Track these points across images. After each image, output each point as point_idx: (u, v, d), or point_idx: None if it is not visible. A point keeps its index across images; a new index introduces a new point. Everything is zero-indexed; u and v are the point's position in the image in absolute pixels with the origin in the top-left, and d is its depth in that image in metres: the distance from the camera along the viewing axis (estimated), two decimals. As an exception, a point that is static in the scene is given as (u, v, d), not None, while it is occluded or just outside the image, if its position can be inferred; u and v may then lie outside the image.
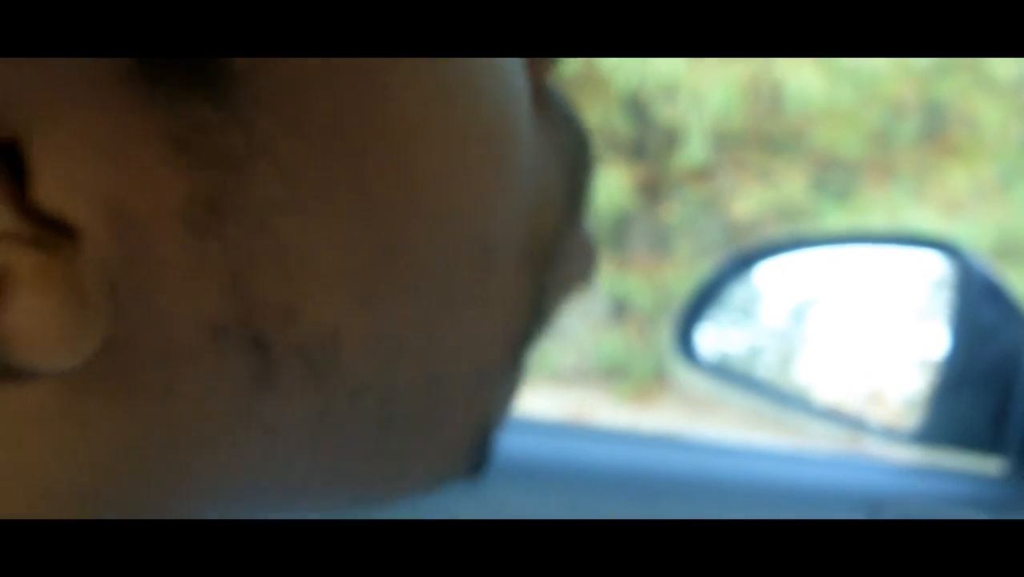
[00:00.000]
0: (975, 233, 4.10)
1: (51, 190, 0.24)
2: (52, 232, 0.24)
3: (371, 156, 0.29)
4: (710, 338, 1.15)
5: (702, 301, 1.14)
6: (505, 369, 0.36)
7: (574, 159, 0.37)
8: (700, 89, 4.48)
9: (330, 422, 0.31)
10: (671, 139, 4.58)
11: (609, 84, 4.39)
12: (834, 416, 1.12)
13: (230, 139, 0.26)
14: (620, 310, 4.64)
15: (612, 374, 4.41)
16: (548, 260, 0.36)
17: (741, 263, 1.15)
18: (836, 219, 4.43)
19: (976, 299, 1.02)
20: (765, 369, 1.23)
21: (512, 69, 0.33)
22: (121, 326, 0.26)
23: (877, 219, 4.35)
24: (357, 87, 0.28)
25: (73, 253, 0.25)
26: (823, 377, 1.15)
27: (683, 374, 1.13)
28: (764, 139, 4.63)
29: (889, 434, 1.09)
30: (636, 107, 4.61)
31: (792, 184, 4.51)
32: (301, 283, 0.28)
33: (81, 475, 0.27)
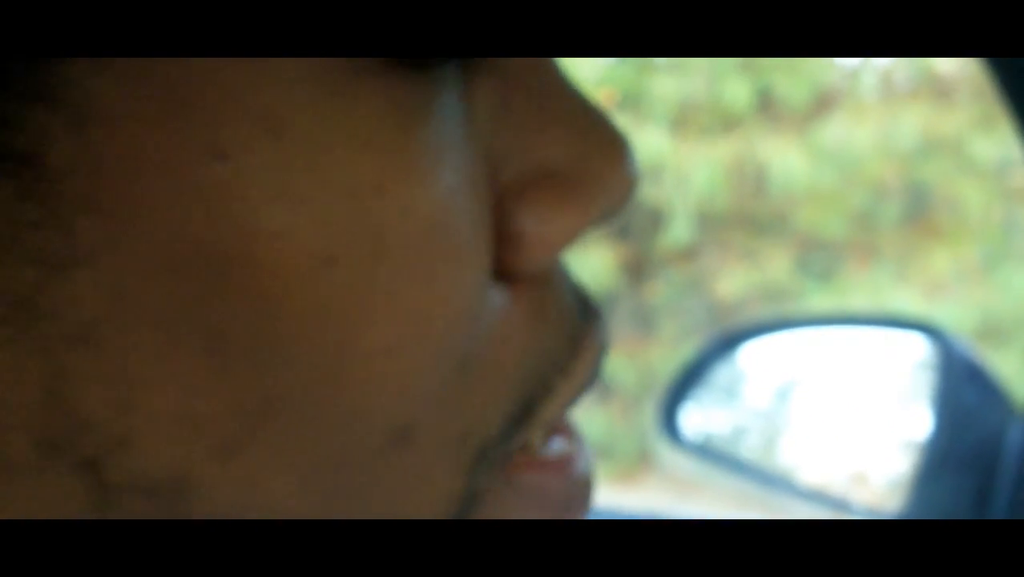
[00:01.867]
0: (958, 315, 4.10)
1: None
2: None
3: (230, 301, 0.26)
4: (694, 418, 1.15)
5: (686, 381, 1.14)
6: None
7: (551, 360, 0.32)
8: (685, 169, 4.50)
9: None
10: (655, 219, 4.59)
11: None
12: (818, 497, 1.12)
13: (44, 238, 0.25)
14: (604, 390, 4.63)
15: (596, 454, 4.39)
16: (484, 457, 0.31)
17: (725, 343, 1.16)
18: (820, 300, 4.43)
19: (958, 381, 1.03)
20: (749, 449, 1.23)
21: (459, 242, 0.29)
22: None
23: (860, 300, 4.36)
24: (217, 222, 0.26)
25: None
26: (807, 458, 1.15)
27: (667, 454, 1.13)
28: (748, 220, 4.65)
29: (873, 515, 1.09)
30: (621, 187, 4.63)
31: (776, 265, 4.52)
32: (137, 411, 0.26)
33: None
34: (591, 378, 0.34)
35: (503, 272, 0.31)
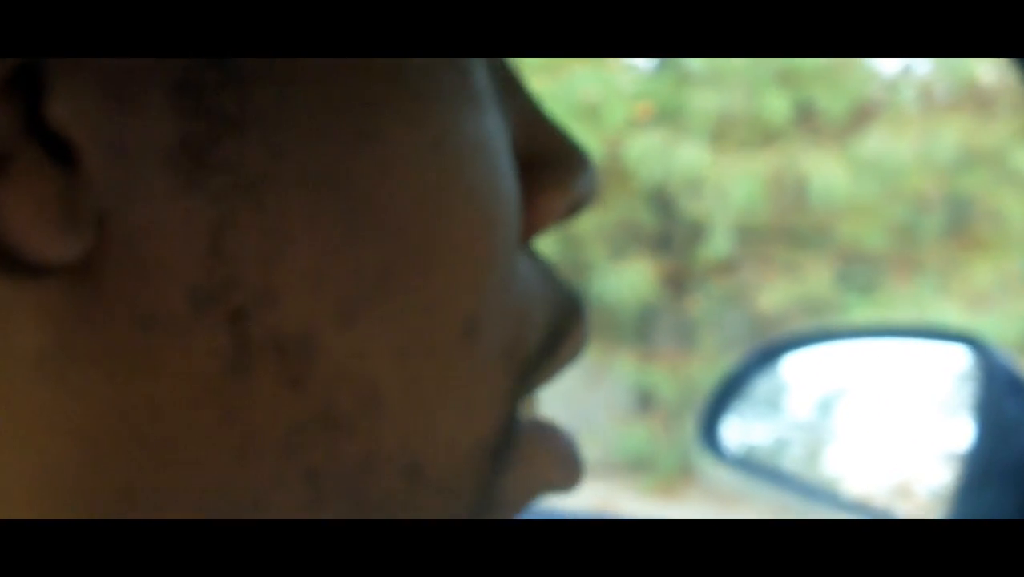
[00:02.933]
0: (1000, 327, 4.08)
1: (59, 111, 0.26)
2: (55, 147, 0.27)
3: (362, 170, 0.30)
4: (736, 431, 1.15)
5: (728, 394, 1.14)
6: (479, 482, 0.34)
7: (559, 317, 0.36)
8: (724, 183, 4.49)
9: (300, 444, 0.30)
10: (696, 232, 4.59)
11: (634, 177, 4.41)
12: (861, 509, 1.12)
13: (224, 99, 0.28)
14: (645, 402, 4.62)
15: (637, 467, 4.38)
16: (523, 380, 0.35)
17: (767, 356, 1.16)
18: (861, 313, 4.41)
19: (1001, 393, 1.02)
20: (792, 462, 1.23)
21: (503, 172, 0.33)
22: (109, 273, 0.27)
23: (902, 313, 4.34)
24: (354, 100, 0.30)
25: (70, 170, 0.27)
26: (850, 470, 1.15)
27: (709, 467, 1.14)
28: (789, 233, 4.64)
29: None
30: (661, 201, 4.63)
31: (817, 278, 4.50)
32: (280, 269, 0.29)
33: (69, 444, 0.28)
34: (586, 337, 0.37)
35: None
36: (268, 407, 0.29)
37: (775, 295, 4.48)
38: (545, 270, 0.36)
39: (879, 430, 1.14)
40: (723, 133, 4.52)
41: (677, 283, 4.66)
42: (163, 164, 0.27)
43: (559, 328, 0.36)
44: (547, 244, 0.42)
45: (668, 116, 4.48)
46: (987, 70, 4.47)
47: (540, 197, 0.36)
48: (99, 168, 0.27)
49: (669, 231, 4.72)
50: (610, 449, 4.27)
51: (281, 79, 0.29)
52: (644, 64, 4.75)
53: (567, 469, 0.37)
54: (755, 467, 1.20)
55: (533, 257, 0.36)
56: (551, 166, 0.36)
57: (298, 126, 0.29)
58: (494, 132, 0.33)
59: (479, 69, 0.33)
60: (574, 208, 0.37)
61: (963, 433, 1.05)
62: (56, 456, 0.28)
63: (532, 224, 0.36)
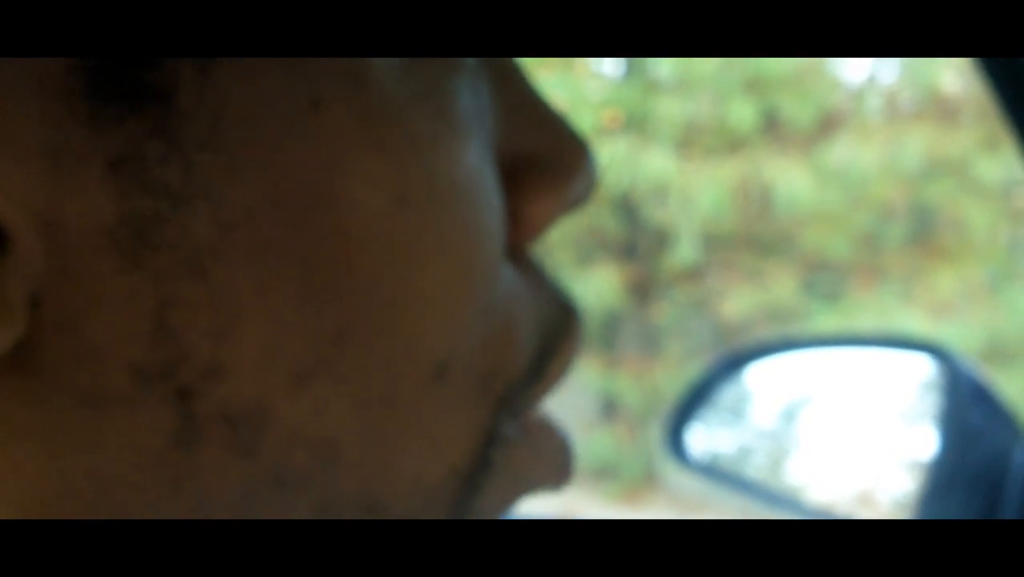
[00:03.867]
0: (964, 335, 4.10)
1: None
2: None
3: (318, 235, 0.28)
4: (701, 438, 1.15)
5: (692, 401, 1.14)
6: (450, 504, 0.33)
7: (551, 321, 0.35)
8: (690, 190, 4.51)
9: (253, 505, 0.30)
10: (661, 240, 4.60)
11: (600, 185, 4.41)
12: (825, 516, 1.12)
13: (168, 172, 0.26)
14: (610, 410, 4.63)
15: (602, 474, 4.39)
16: (506, 405, 0.34)
17: (731, 364, 1.16)
18: (826, 321, 4.44)
19: (964, 402, 1.03)
20: (756, 470, 1.23)
21: (487, 205, 0.32)
22: (49, 353, 0.26)
23: (866, 321, 4.36)
24: (311, 162, 0.28)
25: (1, 252, 0.26)
26: (814, 478, 1.15)
27: (673, 474, 1.14)
28: (754, 241, 4.65)
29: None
30: (627, 208, 4.64)
31: (782, 286, 4.52)
32: (229, 343, 0.28)
33: (10, 514, 0.28)
34: (579, 344, 0.37)
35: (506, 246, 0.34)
36: (218, 476, 0.29)
37: (740, 303, 4.50)
38: (538, 278, 0.35)
39: (843, 438, 1.15)
40: (689, 141, 4.53)
41: (642, 290, 4.67)
42: (103, 244, 0.26)
43: (551, 341, 0.35)
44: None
45: (635, 124, 4.49)
46: (951, 79, 4.50)
47: (533, 204, 0.35)
48: (34, 250, 0.26)
49: (635, 238, 4.73)
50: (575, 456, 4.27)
51: (229, 146, 0.27)
52: (612, 71, 4.76)
53: (555, 468, 0.36)
54: (719, 474, 1.20)
55: (526, 265, 0.35)
56: (545, 168, 0.35)
57: (246, 196, 0.27)
58: (475, 162, 0.32)
59: (464, 88, 0.32)
60: (572, 207, 0.36)
61: (926, 441, 1.06)
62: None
63: (525, 232, 0.35)
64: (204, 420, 0.28)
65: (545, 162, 0.35)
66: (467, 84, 0.32)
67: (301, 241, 0.28)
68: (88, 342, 0.27)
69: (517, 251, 0.35)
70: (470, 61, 0.33)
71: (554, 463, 0.36)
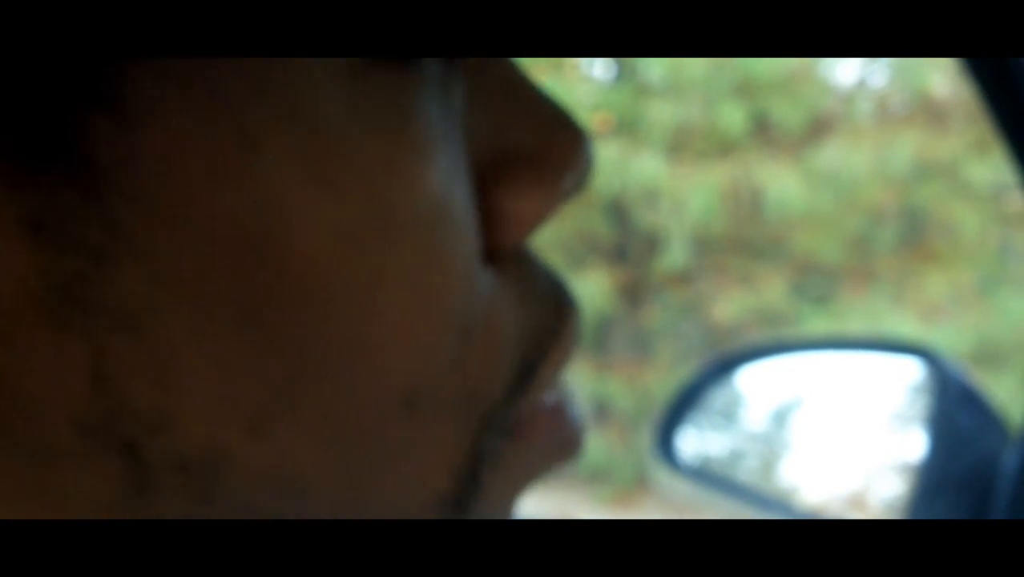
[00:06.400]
0: (954, 339, 4.11)
1: None
2: None
3: (261, 280, 0.27)
4: (691, 442, 1.15)
5: (683, 405, 1.14)
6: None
7: (540, 323, 0.34)
8: (680, 194, 4.51)
9: None
10: (652, 244, 4.60)
11: (591, 189, 4.41)
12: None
13: (89, 229, 0.26)
14: (601, 413, 4.63)
15: (593, 477, 4.39)
16: (491, 422, 0.33)
17: (722, 367, 1.16)
18: (816, 324, 4.44)
19: (953, 405, 1.03)
20: (746, 473, 1.23)
21: (456, 222, 0.31)
22: None
23: (856, 324, 4.36)
24: (249, 206, 0.27)
25: None
26: (804, 481, 1.16)
27: (664, 477, 1.14)
28: (744, 244, 4.66)
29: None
30: (617, 212, 4.65)
31: (772, 289, 4.53)
32: (174, 392, 0.27)
33: None
34: (576, 340, 0.35)
35: (488, 250, 0.32)
36: (180, 518, 0.28)
37: (730, 306, 4.50)
38: (529, 276, 0.34)
39: (833, 441, 1.15)
40: (680, 144, 4.54)
41: (633, 294, 4.68)
42: (28, 305, 0.26)
43: (540, 346, 0.34)
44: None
45: (626, 128, 4.50)
46: (942, 83, 4.51)
47: (519, 202, 0.33)
48: None
49: (625, 242, 4.73)
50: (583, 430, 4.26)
51: (154, 198, 0.26)
52: (602, 75, 4.77)
53: (559, 451, 0.35)
54: (710, 478, 1.20)
55: (516, 264, 0.34)
56: (532, 161, 0.33)
57: (176, 247, 0.26)
58: (440, 180, 0.30)
59: (428, 100, 0.30)
60: (565, 198, 0.35)
61: (916, 444, 1.06)
62: None
63: (513, 231, 0.33)
64: (155, 469, 0.28)
65: (532, 155, 0.34)
66: (432, 94, 0.31)
67: (239, 288, 0.27)
68: (28, 400, 0.26)
69: (504, 252, 0.33)
70: (436, 70, 0.31)
71: (557, 447, 0.35)
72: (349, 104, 0.29)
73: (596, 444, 4.44)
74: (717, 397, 1.17)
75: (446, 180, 0.30)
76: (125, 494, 0.28)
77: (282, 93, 0.27)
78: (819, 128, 4.56)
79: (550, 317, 0.34)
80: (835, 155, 4.47)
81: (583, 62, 4.69)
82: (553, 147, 0.34)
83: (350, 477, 0.30)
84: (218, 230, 0.27)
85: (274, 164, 0.27)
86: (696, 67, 4.44)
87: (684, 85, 4.53)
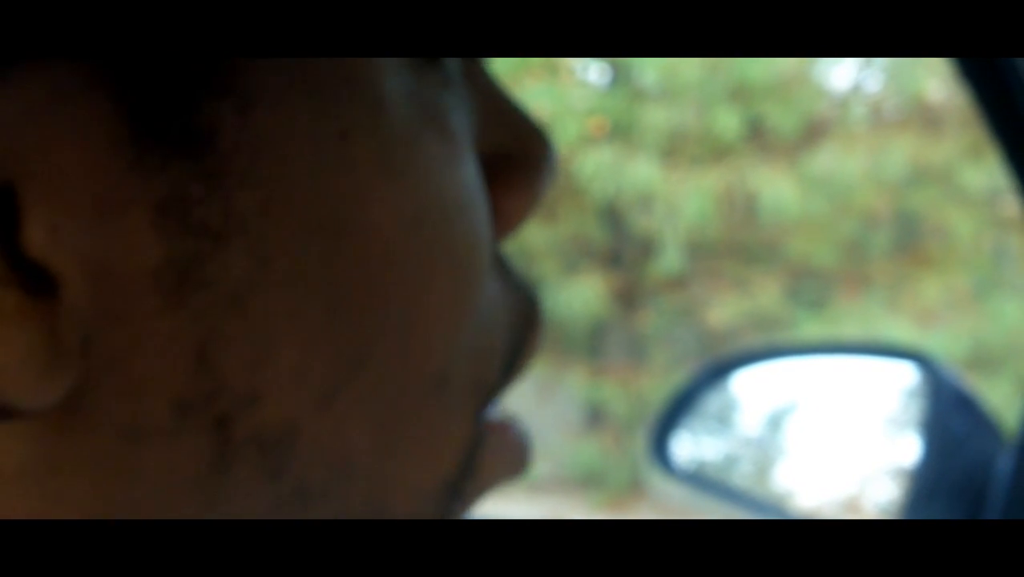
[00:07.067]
0: (949, 343, 4.11)
1: (38, 239, 0.25)
2: (35, 278, 0.26)
3: (344, 261, 0.29)
4: (686, 446, 1.15)
5: (678, 409, 1.14)
6: (436, 513, 0.34)
7: (519, 324, 0.36)
8: (675, 199, 4.51)
9: (274, 518, 0.30)
10: (647, 248, 4.61)
11: (586, 194, 4.42)
12: (809, 524, 1.12)
13: (209, 212, 0.27)
14: (596, 418, 4.63)
15: (588, 482, 4.39)
16: (484, 407, 0.35)
17: (717, 372, 1.16)
18: (811, 328, 4.44)
19: (947, 409, 1.03)
20: (741, 477, 1.24)
21: (480, 216, 0.33)
22: (93, 391, 0.27)
23: (851, 329, 4.37)
24: (339, 192, 0.29)
25: (52, 300, 0.26)
26: (799, 485, 1.16)
27: (659, 482, 1.14)
28: (739, 249, 4.66)
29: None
30: (612, 216, 4.65)
31: (767, 294, 4.53)
32: (266, 369, 0.28)
33: None
34: (542, 333, 0.37)
35: None
36: (248, 497, 0.29)
37: (725, 311, 4.50)
38: (505, 275, 0.36)
39: (828, 446, 1.15)
40: (675, 149, 4.54)
41: (628, 298, 4.68)
42: (147, 285, 0.27)
43: (519, 336, 0.36)
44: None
45: (621, 132, 4.50)
46: (936, 88, 4.52)
47: (506, 200, 0.35)
48: (82, 295, 0.26)
49: (620, 247, 4.74)
50: (561, 464, 4.27)
51: (264, 183, 0.28)
52: (597, 80, 4.77)
53: (513, 464, 0.37)
54: (705, 482, 1.20)
55: (497, 265, 0.35)
56: (515, 163, 0.36)
57: (281, 229, 0.28)
58: (472, 175, 0.33)
59: (454, 104, 0.33)
60: (542, 198, 0.37)
61: (910, 449, 1.06)
62: None
63: (500, 229, 0.35)
64: (238, 446, 0.29)
65: (515, 157, 0.36)
66: (456, 98, 0.33)
67: (329, 268, 0.29)
68: (131, 379, 0.27)
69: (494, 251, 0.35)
70: (456, 73, 0.33)
71: (512, 458, 0.37)
72: (412, 101, 0.31)
73: (590, 449, 4.44)
74: (712, 402, 1.18)
75: (474, 174, 0.33)
76: (207, 472, 0.29)
77: (367, 88, 0.30)
78: (814, 133, 4.56)
79: (526, 307, 0.36)
80: (830, 160, 4.48)
81: (578, 67, 4.69)
82: (531, 150, 0.36)
83: (387, 455, 0.32)
84: (315, 214, 0.29)
85: (359, 154, 0.29)
86: (691, 72, 4.44)
87: (679, 90, 4.53)
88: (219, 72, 0.27)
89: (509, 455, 0.37)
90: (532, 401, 3.76)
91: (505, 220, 0.36)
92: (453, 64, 0.33)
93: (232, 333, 0.28)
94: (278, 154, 0.28)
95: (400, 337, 0.31)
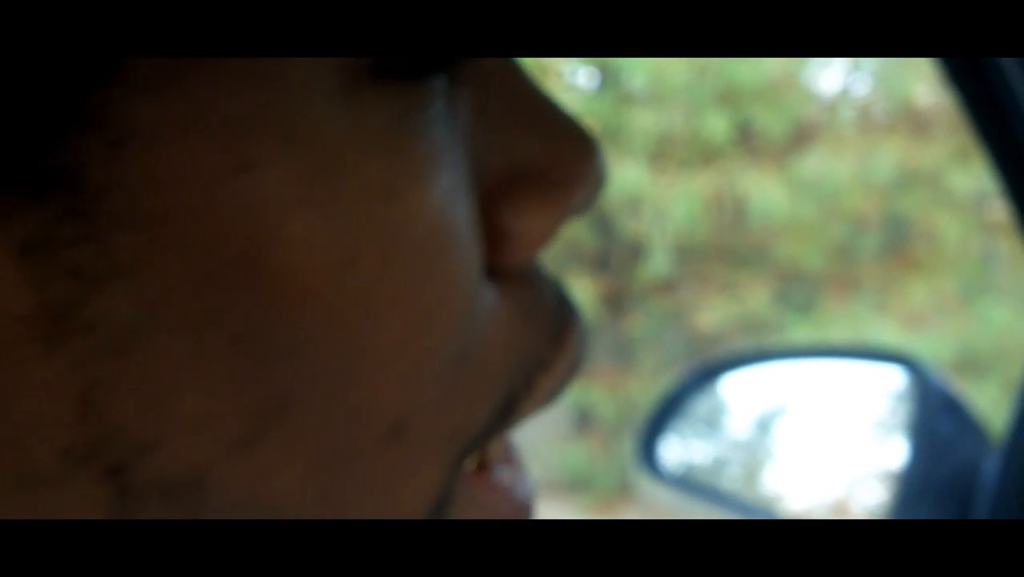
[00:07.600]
0: (936, 347, 4.12)
1: None
2: None
3: (256, 305, 0.27)
4: (674, 450, 1.15)
5: (666, 413, 1.14)
6: None
7: (535, 356, 0.33)
8: (663, 202, 4.51)
9: None
10: (635, 252, 4.61)
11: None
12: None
13: (82, 254, 0.25)
14: (584, 422, 4.63)
15: (576, 486, 4.39)
16: (464, 456, 0.32)
17: (705, 375, 1.16)
18: (799, 332, 4.45)
19: (935, 412, 1.03)
20: (730, 481, 1.24)
21: (460, 243, 0.30)
22: None
23: (839, 332, 4.37)
24: (245, 231, 0.27)
25: None
26: (788, 488, 1.16)
27: (647, 486, 1.14)
28: (727, 252, 4.66)
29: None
30: (600, 220, 4.65)
31: (755, 297, 4.53)
32: (165, 416, 0.27)
33: None
34: (571, 374, 0.35)
35: (490, 270, 0.32)
36: None
37: (713, 314, 4.51)
38: (527, 300, 0.33)
39: (816, 449, 1.15)
40: (663, 153, 4.54)
41: (616, 302, 4.68)
42: (20, 331, 0.25)
43: (527, 379, 0.33)
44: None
45: (609, 136, 4.50)
46: (924, 92, 4.52)
47: (525, 220, 0.32)
48: None
49: (608, 250, 4.74)
50: (549, 468, 4.27)
51: (148, 222, 0.26)
52: (585, 83, 4.77)
53: (513, 507, 0.35)
54: (693, 486, 1.20)
55: (521, 283, 0.33)
56: (540, 178, 0.32)
57: (171, 273, 0.26)
58: (442, 202, 0.29)
59: (434, 120, 0.30)
60: (575, 213, 0.34)
61: (898, 452, 1.06)
62: None
63: (520, 249, 0.32)
64: (139, 494, 0.27)
65: (539, 171, 0.33)
66: (438, 113, 0.30)
67: (233, 313, 0.27)
68: (13, 426, 0.26)
69: (508, 270, 0.32)
70: (441, 84, 0.30)
71: (497, 514, 0.35)
72: (349, 125, 0.28)
73: (578, 453, 4.44)
74: (700, 405, 1.18)
75: (448, 200, 0.30)
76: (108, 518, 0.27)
77: (278, 114, 0.27)
78: (802, 136, 4.57)
79: (545, 347, 0.33)
80: (818, 163, 4.48)
81: (567, 71, 4.69)
82: (562, 162, 0.33)
83: (330, 503, 0.30)
84: (217, 255, 0.26)
85: (269, 187, 0.27)
86: (679, 75, 4.45)
87: (667, 93, 4.54)
88: (86, 103, 0.25)
89: (492, 511, 0.34)
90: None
91: (523, 241, 0.32)
92: (440, 76, 0.30)
93: (120, 379, 0.26)
94: (162, 191, 0.26)
95: (335, 382, 0.28)
